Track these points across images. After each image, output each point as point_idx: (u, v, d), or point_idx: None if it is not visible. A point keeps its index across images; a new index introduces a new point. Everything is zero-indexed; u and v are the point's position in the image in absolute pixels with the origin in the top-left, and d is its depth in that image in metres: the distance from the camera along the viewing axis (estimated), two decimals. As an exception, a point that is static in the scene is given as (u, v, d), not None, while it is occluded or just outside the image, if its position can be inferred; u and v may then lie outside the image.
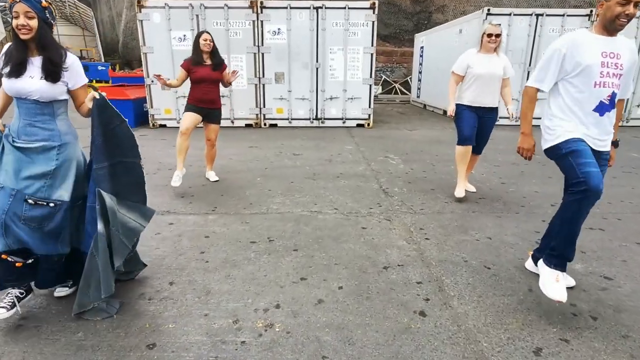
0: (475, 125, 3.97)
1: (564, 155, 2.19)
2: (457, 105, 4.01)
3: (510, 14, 8.74)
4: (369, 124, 9.20)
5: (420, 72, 13.82)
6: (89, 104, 2.16)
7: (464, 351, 1.91)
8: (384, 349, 1.92)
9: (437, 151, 6.45)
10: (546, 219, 3.55)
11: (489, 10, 8.59)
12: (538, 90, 2.31)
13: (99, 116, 2.12)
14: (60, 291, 2.33)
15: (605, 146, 2.27)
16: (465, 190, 4.17)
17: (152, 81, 8.40)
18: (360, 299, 2.34)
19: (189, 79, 4.33)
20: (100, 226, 2.10)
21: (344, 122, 9.20)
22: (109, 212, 2.13)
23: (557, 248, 2.21)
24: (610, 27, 2.12)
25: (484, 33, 3.87)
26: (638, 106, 9.41)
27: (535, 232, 3.28)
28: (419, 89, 14.05)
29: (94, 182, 2.14)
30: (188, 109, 4.38)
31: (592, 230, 3.36)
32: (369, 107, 9.12)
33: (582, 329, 2.09)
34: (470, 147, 3.99)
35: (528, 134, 2.39)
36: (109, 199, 2.14)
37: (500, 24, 3.88)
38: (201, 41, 4.24)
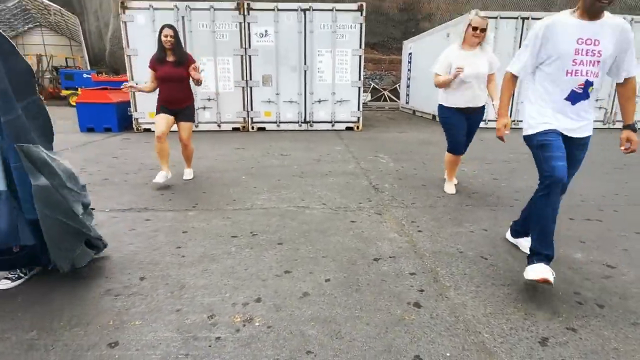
0: (465, 133, 3.83)
1: (535, 147, 2.24)
2: (443, 109, 3.79)
3: (497, 17, 8.79)
4: (358, 127, 9.09)
5: (409, 79, 13.84)
6: None
7: (463, 343, 1.73)
8: (375, 342, 1.73)
9: (427, 151, 6.34)
10: (542, 211, 3.42)
11: (476, 12, 8.59)
12: (513, 75, 2.35)
13: None
14: (5, 283, 2.12)
15: (581, 132, 2.23)
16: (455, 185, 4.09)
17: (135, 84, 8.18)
18: (349, 291, 2.15)
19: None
20: (38, 180, 1.87)
21: (333, 125, 9.07)
22: (40, 164, 1.87)
23: (534, 248, 2.16)
24: (590, 10, 2.02)
25: (468, 25, 3.49)
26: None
27: (531, 224, 3.13)
28: (407, 95, 14.06)
29: (8, 138, 1.85)
30: (159, 110, 4.16)
31: (590, 222, 3.24)
32: (358, 110, 9.02)
33: (589, 317, 1.93)
34: (460, 156, 4.00)
35: (503, 114, 2.44)
36: (35, 150, 1.87)
37: (486, 18, 3.51)
38: (162, 37, 3.93)
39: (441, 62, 3.65)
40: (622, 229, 3.07)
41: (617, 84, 2.23)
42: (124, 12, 8.09)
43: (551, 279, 1.98)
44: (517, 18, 8.92)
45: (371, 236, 2.90)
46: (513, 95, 3.31)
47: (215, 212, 3.42)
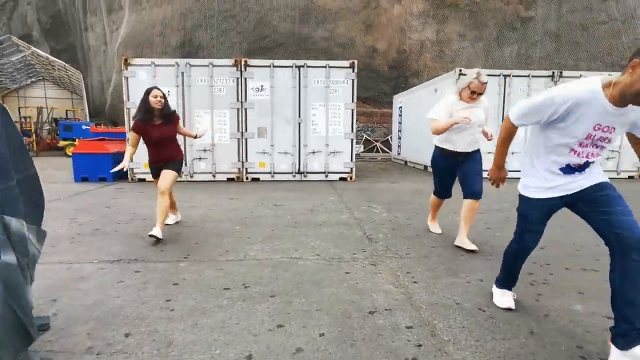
0: (453, 177, 3.90)
1: (519, 210, 2.34)
2: (438, 150, 3.86)
3: (481, 74, 9.27)
4: (351, 178, 9.21)
5: (400, 131, 14.29)
6: None
7: (465, 402, 1.64)
8: (372, 403, 1.63)
9: (420, 201, 6.39)
10: (537, 261, 3.41)
11: (460, 70, 9.13)
12: (514, 124, 2.17)
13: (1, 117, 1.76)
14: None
15: (581, 185, 2.07)
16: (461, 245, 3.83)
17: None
18: (344, 346, 2.06)
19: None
20: (8, 257, 1.64)
21: (326, 176, 9.19)
22: (16, 239, 1.69)
23: (501, 277, 2.59)
24: (625, 101, 1.77)
25: (467, 86, 3.49)
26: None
27: (528, 274, 3.10)
28: (399, 146, 14.43)
29: None
30: (151, 170, 4.29)
31: (587, 272, 3.21)
32: (351, 160, 9.20)
33: (593, 373, 1.86)
34: (443, 200, 4.20)
35: (500, 166, 2.41)
36: (16, 224, 1.71)
37: (487, 82, 3.49)
38: (151, 98, 3.90)
39: (440, 110, 3.65)
40: (618, 279, 3.03)
41: (628, 133, 2.04)
42: (126, 68, 8.45)
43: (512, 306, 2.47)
44: (499, 75, 9.44)
45: (366, 288, 2.83)
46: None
47: (208, 263, 3.34)
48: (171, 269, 3.19)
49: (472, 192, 3.67)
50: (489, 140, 3.74)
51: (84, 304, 2.52)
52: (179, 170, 4.20)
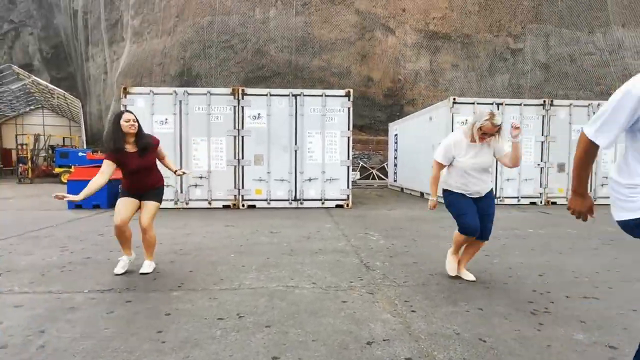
0: (476, 212, 3.45)
1: None
2: (445, 192, 3.58)
3: (474, 103, 9.50)
4: (347, 205, 9.19)
5: (395, 158, 14.42)
6: None
7: None
8: None
9: (418, 228, 6.36)
10: (537, 289, 3.36)
11: (454, 99, 9.33)
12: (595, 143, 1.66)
13: None
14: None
15: None
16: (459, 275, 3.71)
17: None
18: (341, 380, 1.99)
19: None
20: None
21: (322, 203, 9.17)
22: None
23: None
24: None
25: (479, 127, 3.21)
26: (602, 185, 9.85)
27: (528, 302, 3.05)
28: (395, 173, 14.51)
29: None
30: (122, 194, 3.75)
31: (587, 299, 3.16)
32: (348, 188, 9.21)
33: (600, 407, 1.79)
34: (473, 237, 3.51)
35: (583, 193, 1.82)
36: None
37: (500, 124, 3.21)
38: (123, 123, 3.50)
39: (445, 153, 3.44)
40: (619, 307, 2.99)
41: None
42: (125, 97, 8.56)
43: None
44: (492, 103, 9.64)
45: (363, 317, 2.77)
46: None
47: (201, 292, 3.27)
48: (164, 299, 3.11)
49: (483, 234, 3.49)
50: (515, 132, 3.14)
51: (73, 335, 2.44)
52: (160, 200, 3.86)
